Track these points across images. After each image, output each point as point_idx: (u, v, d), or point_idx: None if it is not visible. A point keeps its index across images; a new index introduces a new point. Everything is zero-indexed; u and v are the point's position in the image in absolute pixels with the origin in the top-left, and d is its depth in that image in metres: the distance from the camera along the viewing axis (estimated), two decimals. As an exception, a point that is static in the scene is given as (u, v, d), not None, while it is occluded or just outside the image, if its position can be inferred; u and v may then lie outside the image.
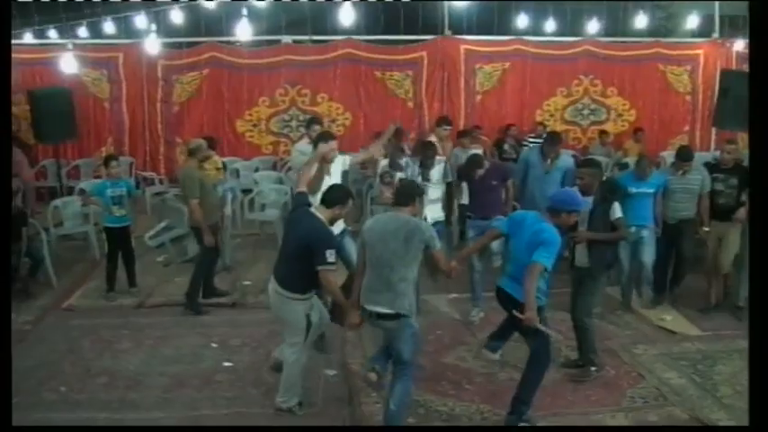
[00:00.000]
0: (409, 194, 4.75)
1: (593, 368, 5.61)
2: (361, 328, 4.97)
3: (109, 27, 12.23)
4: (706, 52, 13.07)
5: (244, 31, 11.38)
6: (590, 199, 5.67)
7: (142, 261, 8.14)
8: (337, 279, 4.82)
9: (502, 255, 6.78)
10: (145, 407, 5.07)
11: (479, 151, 8.75)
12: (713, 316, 7.03)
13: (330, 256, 4.63)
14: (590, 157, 8.83)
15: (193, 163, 7.21)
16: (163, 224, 8.90)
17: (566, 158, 7.24)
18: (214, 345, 6.18)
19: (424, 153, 6.88)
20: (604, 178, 6.91)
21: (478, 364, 5.74)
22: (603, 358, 5.92)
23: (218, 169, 8.23)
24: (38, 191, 10.95)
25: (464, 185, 6.83)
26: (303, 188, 5.21)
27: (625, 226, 5.84)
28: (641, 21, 12.76)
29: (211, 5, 11.39)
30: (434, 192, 6.76)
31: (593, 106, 12.88)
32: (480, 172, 6.62)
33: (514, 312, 4.66)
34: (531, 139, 11.35)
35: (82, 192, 9.09)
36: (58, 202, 8.85)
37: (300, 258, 4.69)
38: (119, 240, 7.31)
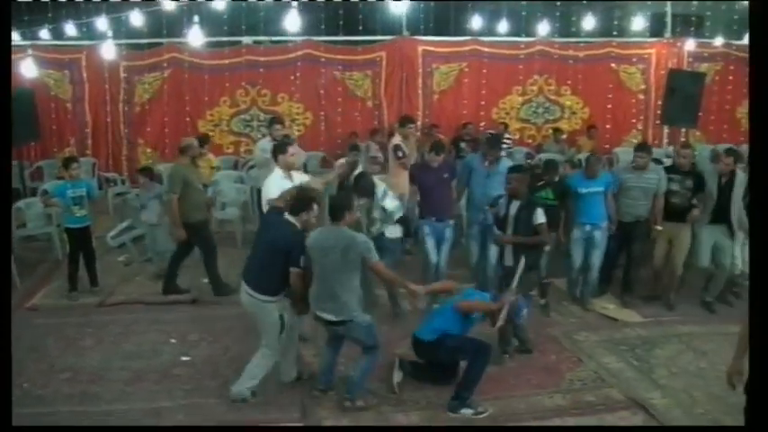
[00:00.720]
0: (341, 208, 5.04)
1: (505, 355, 5.98)
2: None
3: (71, 29, 12.27)
4: (658, 52, 13.51)
5: (196, 34, 11.49)
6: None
7: (103, 261, 8.33)
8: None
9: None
10: (106, 400, 5.30)
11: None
12: (655, 303, 7.45)
13: (302, 260, 4.97)
14: (548, 157, 9.15)
15: (184, 161, 7.40)
16: (124, 224, 9.08)
17: (506, 162, 7.40)
18: (173, 340, 6.42)
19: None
20: (557, 178, 7.30)
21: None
22: (546, 345, 6.32)
23: (212, 168, 8.38)
24: None
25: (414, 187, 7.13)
26: (281, 202, 5.42)
27: (547, 231, 6.16)
28: (594, 21, 13.13)
29: (172, 7, 11.49)
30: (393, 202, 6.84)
31: (547, 105, 13.26)
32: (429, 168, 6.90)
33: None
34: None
35: (45, 193, 9.20)
36: (20, 203, 8.97)
37: (274, 262, 4.99)
38: (80, 240, 7.48)
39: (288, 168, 6.23)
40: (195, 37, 11.53)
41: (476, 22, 12.89)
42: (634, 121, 13.62)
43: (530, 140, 13.18)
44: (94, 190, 8.16)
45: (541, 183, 7.22)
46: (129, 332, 6.61)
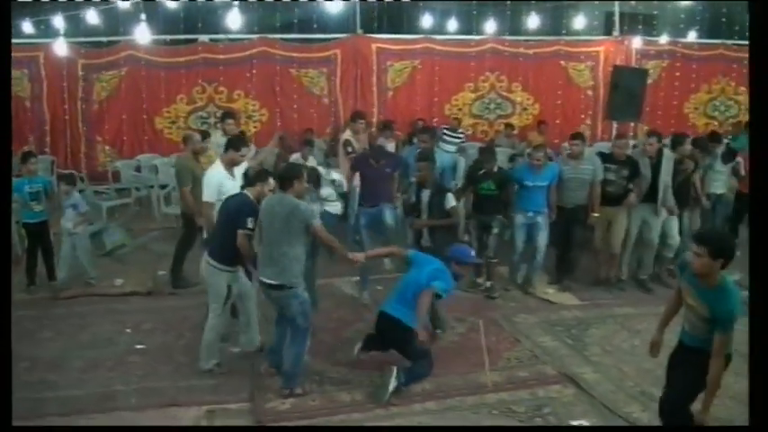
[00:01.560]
0: (288, 177, 5.33)
1: (438, 330, 6.29)
2: None
3: (29, 27, 12.32)
4: (606, 49, 13.97)
5: (143, 32, 11.65)
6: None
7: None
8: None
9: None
10: (63, 387, 5.51)
11: (392, 145, 9.40)
12: (593, 288, 7.89)
13: (249, 222, 5.31)
14: (484, 146, 9.46)
15: (187, 153, 7.64)
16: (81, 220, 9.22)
17: (443, 156, 7.76)
18: (128, 330, 6.64)
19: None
20: (496, 169, 7.65)
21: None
22: (487, 327, 6.64)
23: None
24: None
25: (356, 176, 7.42)
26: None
27: (457, 214, 6.64)
28: (544, 20, 13.55)
29: (128, 5, 11.64)
30: (328, 190, 7.21)
31: (499, 101, 13.66)
32: (380, 163, 7.17)
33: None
34: (446, 134, 11.99)
35: (2, 191, 9.31)
36: (-24, 200, 9.06)
37: (228, 231, 5.36)
38: (37, 235, 7.65)
39: (231, 165, 6.43)
40: (143, 34, 11.66)
41: (428, 20, 13.19)
42: (583, 116, 14.06)
43: (482, 135, 13.53)
44: (51, 185, 8.30)
45: (482, 172, 7.54)
46: (86, 323, 6.82)
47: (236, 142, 6.63)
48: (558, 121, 13.82)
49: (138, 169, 11.57)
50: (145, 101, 12.27)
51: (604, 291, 7.85)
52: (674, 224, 7.95)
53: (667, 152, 7.87)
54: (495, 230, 7.39)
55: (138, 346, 6.29)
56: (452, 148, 9.64)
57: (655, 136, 7.90)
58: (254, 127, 12.26)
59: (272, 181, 5.59)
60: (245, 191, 5.63)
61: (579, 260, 8.24)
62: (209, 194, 6.22)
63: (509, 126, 13.17)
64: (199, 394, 5.37)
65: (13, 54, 11.50)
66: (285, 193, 5.29)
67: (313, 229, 5.28)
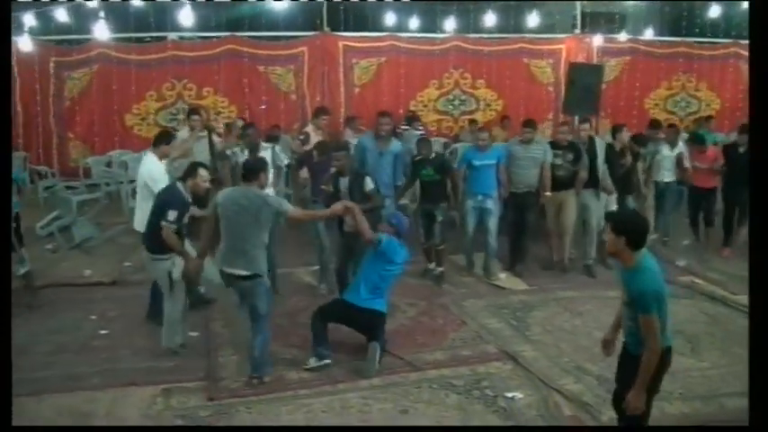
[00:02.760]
0: (254, 170, 5.60)
1: None
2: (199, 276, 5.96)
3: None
4: (568, 47, 14.37)
5: (102, 30, 11.92)
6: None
7: (33, 249, 8.71)
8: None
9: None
10: (29, 369, 5.81)
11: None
12: (542, 273, 8.27)
13: (170, 215, 5.60)
14: (419, 136, 9.77)
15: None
16: (53, 214, 9.55)
17: (396, 143, 8.04)
18: (93, 317, 6.96)
19: (252, 141, 7.57)
20: (433, 155, 7.99)
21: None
22: (436, 311, 7.09)
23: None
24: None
25: (304, 170, 7.73)
26: None
27: (377, 196, 6.92)
28: (506, 18, 13.95)
29: (97, 4, 11.90)
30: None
31: (463, 97, 14.01)
32: (322, 157, 7.46)
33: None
34: (404, 128, 12.37)
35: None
36: (-52, 195, 9.30)
37: (155, 221, 5.70)
38: (8, 227, 7.90)
39: (162, 158, 6.76)
40: (113, 33, 11.91)
41: (394, 18, 13.54)
42: (545, 112, 14.43)
43: (447, 131, 13.89)
44: (21, 178, 8.57)
45: (419, 159, 7.89)
46: (54, 311, 7.13)
47: (165, 136, 6.98)
48: (521, 117, 14.07)
49: (108, 165, 11.82)
50: (115, 98, 12.53)
51: (552, 276, 8.23)
52: (613, 209, 8.37)
53: (599, 140, 8.36)
54: (440, 218, 7.77)
55: (102, 332, 6.61)
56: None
57: (587, 122, 8.53)
58: (225, 123, 12.47)
59: (203, 172, 5.90)
60: (177, 183, 5.90)
61: (530, 246, 8.61)
62: (162, 182, 6.46)
63: (473, 122, 13.50)
64: (157, 375, 5.67)
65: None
66: (249, 185, 5.51)
67: (289, 215, 5.65)
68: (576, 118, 10.22)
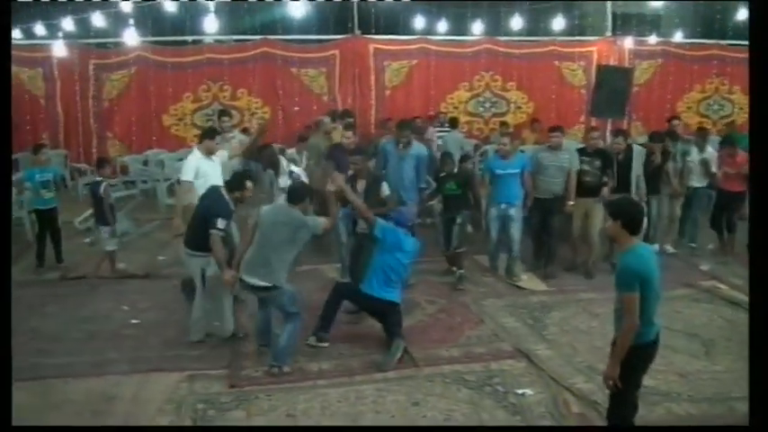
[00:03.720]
0: (300, 195, 5.96)
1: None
2: (233, 286, 6.05)
3: (42, 29, 13.03)
4: (599, 49, 14.39)
5: (135, 34, 12.30)
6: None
7: (71, 242, 9.17)
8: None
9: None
10: (60, 354, 6.14)
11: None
12: (563, 275, 8.36)
13: (220, 223, 5.84)
14: (444, 151, 9.67)
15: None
16: (92, 210, 9.88)
17: (418, 147, 8.16)
18: (125, 307, 7.27)
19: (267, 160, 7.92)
20: (456, 170, 8.15)
21: (344, 317, 6.78)
22: (455, 309, 7.22)
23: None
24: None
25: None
26: None
27: (392, 201, 7.12)
28: (537, 21, 14.02)
29: (131, 8, 12.30)
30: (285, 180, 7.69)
31: (494, 99, 14.14)
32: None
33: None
34: (437, 130, 12.57)
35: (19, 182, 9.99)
36: (-8, 190, 9.74)
37: (199, 224, 5.96)
38: (47, 221, 8.34)
39: (208, 153, 7.17)
40: (137, 36, 12.30)
41: (425, 21, 13.70)
42: (576, 114, 14.46)
43: (477, 133, 14.01)
44: (60, 174, 8.96)
45: (443, 175, 8.13)
46: (87, 301, 7.46)
47: (210, 133, 7.38)
48: (552, 120, 14.16)
49: (145, 163, 12.20)
50: (153, 99, 12.95)
51: (574, 278, 8.30)
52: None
53: (637, 147, 8.40)
54: (459, 221, 7.93)
55: (133, 321, 6.92)
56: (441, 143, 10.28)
57: (621, 135, 8.44)
58: (258, 124, 12.80)
59: (249, 185, 6.19)
60: (222, 190, 6.15)
61: (557, 249, 8.66)
62: (187, 174, 6.99)
63: (503, 124, 13.59)
64: (183, 362, 5.94)
65: (27, 54, 12.41)
66: (292, 207, 5.86)
67: (323, 229, 6.04)
68: (608, 129, 10.26)
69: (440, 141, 11.55)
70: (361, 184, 6.95)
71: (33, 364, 5.90)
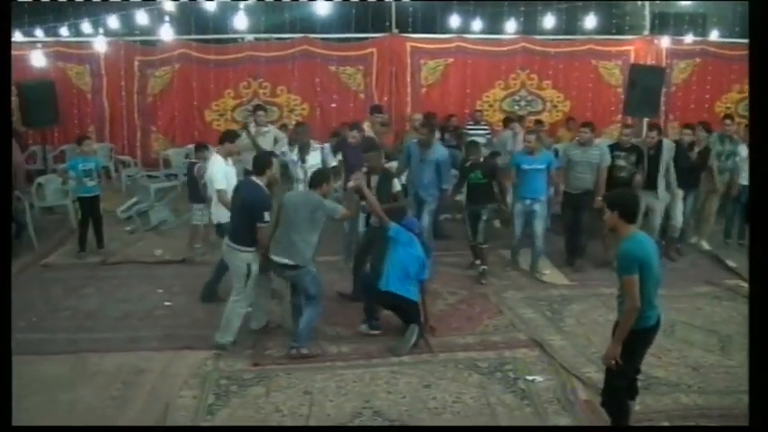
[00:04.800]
0: (318, 179, 6.24)
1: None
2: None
3: (91, 26, 13.58)
4: (636, 48, 14.28)
5: (167, 32, 12.70)
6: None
7: (113, 230, 9.62)
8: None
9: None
10: (96, 330, 6.55)
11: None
12: (590, 270, 8.43)
13: (266, 216, 6.01)
14: (470, 140, 10.07)
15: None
16: (133, 200, 10.40)
17: (439, 149, 8.34)
18: (160, 290, 7.65)
19: (302, 140, 8.25)
20: (482, 159, 8.32)
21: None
22: (475, 300, 7.43)
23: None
24: (27, 173, 12.29)
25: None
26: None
27: (403, 196, 7.43)
28: (573, 19, 14.07)
29: (174, 7, 12.75)
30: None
31: (529, 98, 14.14)
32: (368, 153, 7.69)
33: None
34: (470, 127, 12.73)
35: (64, 171, 10.48)
36: (40, 179, 10.34)
37: (245, 218, 6.05)
38: (89, 208, 8.76)
39: (227, 155, 7.27)
40: (174, 35, 12.74)
41: (461, 20, 13.85)
42: (613, 113, 14.43)
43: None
44: (101, 164, 9.44)
45: (468, 164, 8.26)
46: (124, 284, 7.86)
47: (230, 136, 7.44)
48: (588, 118, 14.15)
49: (187, 156, 12.59)
50: (195, 95, 13.31)
51: (600, 273, 8.28)
52: (678, 207, 8.60)
53: (666, 142, 8.48)
54: (485, 217, 8.06)
55: (167, 303, 7.30)
56: (482, 140, 10.45)
57: (655, 129, 8.53)
58: (296, 119, 13.11)
59: (275, 161, 6.45)
60: (254, 179, 6.23)
61: (588, 244, 8.71)
62: (221, 183, 7.01)
63: (538, 122, 13.65)
64: (211, 342, 6.21)
65: (75, 51, 12.95)
66: (312, 190, 6.18)
67: (341, 215, 6.29)
68: (645, 123, 10.30)
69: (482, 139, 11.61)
70: (373, 180, 7.17)
71: (72, 340, 6.31)
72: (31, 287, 7.76)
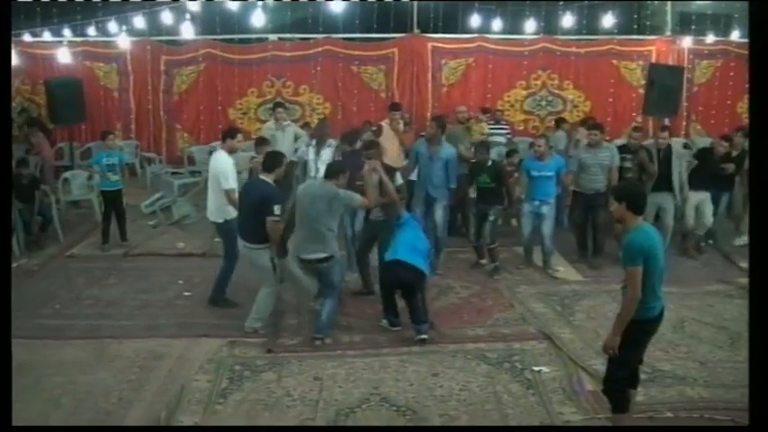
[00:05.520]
0: (333, 171, 6.40)
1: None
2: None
3: (118, 26, 13.91)
4: (658, 48, 14.25)
5: (191, 32, 13.07)
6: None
7: (136, 224, 9.88)
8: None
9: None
10: (117, 318, 6.79)
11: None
12: (606, 267, 8.41)
13: (277, 210, 6.13)
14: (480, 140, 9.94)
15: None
16: (157, 195, 10.65)
17: (448, 148, 8.29)
18: (180, 281, 7.86)
19: (321, 135, 8.43)
20: (490, 163, 8.35)
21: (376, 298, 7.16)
22: (487, 294, 7.54)
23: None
24: (56, 169, 12.59)
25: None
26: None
27: (404, 191, 7.55)
28: (595, 19, 14.09)
29: (199, 7, 13.02)
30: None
31: (550, 98, 14.16)
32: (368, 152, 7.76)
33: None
34: (490, 126, 12.79)
35: (89, 166, 10.75)
36: (67, 174, 10.65)
37: (257, 215, 6.16)
38: (112, 201, 9.02)
39: (231, 152, 7.19)
40: (192, 34, 13.09)
41: (482, 20, 13.92)
42: (634, 114, 14.40)
43: (534, 131, 14.11)
44: (125, 159, 9.78)
45: (475, 164, 8.34)
46: (145, 275, 8.09)
47: (232, 132, 7.39)
48: (609, 119, 14.19)
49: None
50: (220, 93, 13.53)
51: (614, 269, 8.31)
52: (709, 206, 8.66)
53: (676, 146, 8.53)
54: (492, 218, 8.11)
55: (186, 293, 7.51)
56: (501, 140, 10.54)
57: (666, 131, 8.61)
58: (318, 119, 13.29)
59: (285, 161, 6.62)
60: (263, 176, 6.37)
61: (604, 242, 8.73)
62: (230, 182, 6.92)
63: (562, 120, 13.62)
64: (227, 330, 6.47)
65: (102, 51, 13.27)
66: (327, 182, 6.31)
67: (359, 205, 6.52)
68: (660, 124, 10.30)
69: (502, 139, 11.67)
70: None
71: (93, 326, 6.55)
72: (55, 277, 8.04)
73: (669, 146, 8.46)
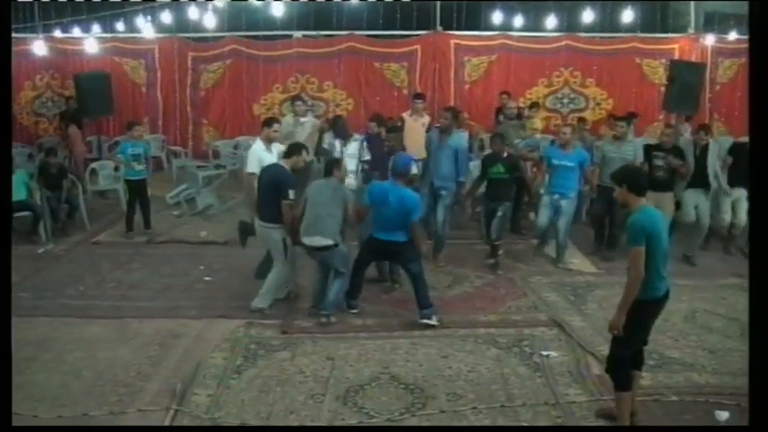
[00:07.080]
0: (329, 167, 6.76)
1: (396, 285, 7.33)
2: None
3: (145, 22, 14.24)
4: (681, 46, 14.21)
5: (218, 28, 13.40)
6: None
7: (161, 214, 10.14)
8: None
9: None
10: (139, 299, 7.01)
11: (465, 134, 9.96)
12: (617, 259, 8.34)
13: (291, 194, 6.44)
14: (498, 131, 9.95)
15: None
16: (182, 187, 10.91)
17: (458, 138, 8.34)
18: (201, 267, 8.06)
19: (343, 132, 8.55)
20: (506, 153, 8.32)
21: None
22: (501, 283, 7.63)
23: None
24: (86, 161, 12.91)
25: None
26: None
27: (419, 179, 7.60)
28: (618, 17, 14.10)
29: (229, 5, 13.28)
30: (350, 164, 8.00)
31: (572, 95, 14.21)
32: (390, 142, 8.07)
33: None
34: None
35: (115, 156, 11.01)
36: (94, 165, 10.98)
37: (272, 196, 6.51)
38: (137, 190, 9.25)
39: (269, 141, 7.51)
40: (218, 31, 13.47)
41: (505, 17, 14.01)
42: (656, 112, 14.37)
43: (555, 129, 14.14)
44: (149, 149, 10.08)
45: (489, 154, 8.37)
46: (168, 261, 8.31)
47: (268, 122, 7.71)
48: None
49: (235, 148, 13.10)
50: (245, 89, 13.82)
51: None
52: (744, 204, 8.61)
53: (713, 144, 8.52)
54: (500, 213, 8.02)
55: (206, 278, 7.71)
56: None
57: (703, 130, 8.66)
58: (342, 114, 13.44)
59: (305, 152, 6.88)
60: (281, 162, 6.77)
61: (619, 235, 8.74)
62: (252, 166, 7.26)
63: (582, 120, 13.69)
64: (244, 312, 6.63)
65: (131, 47, 13.58)
66: (330, 178, 6.65)
67: (350, 205, 6.68)
68: (684, 120, 10.25)
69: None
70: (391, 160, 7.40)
71: (115, 306, 6.78)
72: (80, 261, 8.32)
73: (707, 144, 8.43)
